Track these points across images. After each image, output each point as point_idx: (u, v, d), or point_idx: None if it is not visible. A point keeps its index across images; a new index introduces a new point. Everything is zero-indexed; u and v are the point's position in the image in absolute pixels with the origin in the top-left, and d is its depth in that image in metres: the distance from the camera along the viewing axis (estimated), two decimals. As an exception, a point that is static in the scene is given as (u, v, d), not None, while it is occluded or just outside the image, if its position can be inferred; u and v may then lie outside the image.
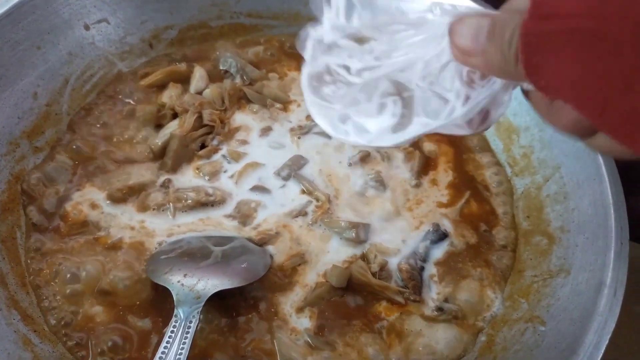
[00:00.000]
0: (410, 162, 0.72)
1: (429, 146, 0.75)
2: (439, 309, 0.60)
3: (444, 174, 0.73)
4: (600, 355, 0.47)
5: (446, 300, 0.61)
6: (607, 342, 0.48)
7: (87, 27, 0.78)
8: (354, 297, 0.61)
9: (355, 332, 0.59)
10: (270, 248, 0.64)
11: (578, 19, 0.27)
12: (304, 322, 0.59)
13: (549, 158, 0.68)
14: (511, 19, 0.30)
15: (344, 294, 0.61)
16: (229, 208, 0.68)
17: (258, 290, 0.61)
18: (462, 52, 0.32)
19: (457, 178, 0.72)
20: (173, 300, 0.55)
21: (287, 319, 0.60)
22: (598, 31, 0.26)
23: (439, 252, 0.65)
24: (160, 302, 0.59)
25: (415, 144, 0.75)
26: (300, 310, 0.60)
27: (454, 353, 0.58)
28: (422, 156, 0.73)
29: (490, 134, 0.77)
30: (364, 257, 0.63)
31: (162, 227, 0.65)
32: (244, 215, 0.67)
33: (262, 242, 0.65)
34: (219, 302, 0.58)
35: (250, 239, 0.65)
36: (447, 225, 0.67)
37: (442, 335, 0.58)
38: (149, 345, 0.57)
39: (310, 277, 0.62)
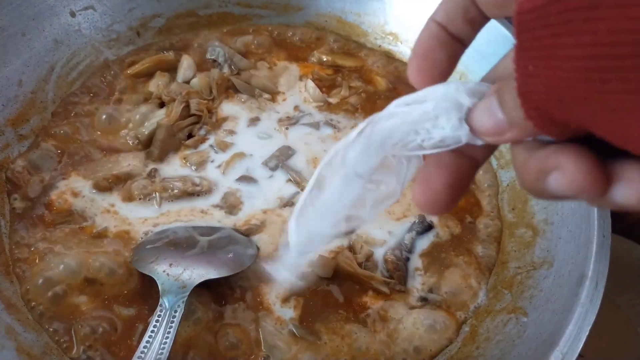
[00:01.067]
0: (398, 154, 0.73)
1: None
2: (423, 299, 0.61)
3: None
4: (581, 346, 0.47)
5: (430, 290, 0.61)
6: (587, 333, 0.48)
7: (73, 14, 0.77)
8: (340, 287, 0.61)
9: (340, 321, 0.59)
10: (257, 238, 0.64)
11: None
12: (289, 312, 0.59)
13: (534, 151, 0.69)
14: (508, 78, 0.26)
15: (329, 284, 0.62)
16: (216, 198, 0.67)
17: (244, 280, 0.61)
18: (491, 135, 0.28)
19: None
20: (158, 290, 0.55)
21: (272, 308, 0.60)
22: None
23: (424, 243, 0.66)
24: (146, 292, 0.59)
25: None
26: (285, 300, 0.60)
27: (438, 343, 0.58)
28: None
29: (478, 127, 0.77)
30: (350, 248, 0.64)
31: (148, 217, 0.65)
32: (230, 205, 0.67)
33: (248, 233, 0.65)
34: (205, 292, 0.58)
35: (236, 229, 0.65)
36: (432, 217, 0.68)
37: (426, 324, 0.58)
38: (134, 334, 0.57)
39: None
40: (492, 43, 0.75)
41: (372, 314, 0.60)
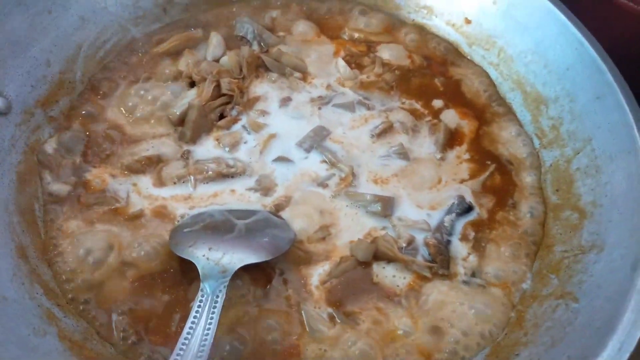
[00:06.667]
0: (435, 135, 0.70)
1: (454, 118, 0.73)
2: (466, 283, 0.59)
3: (468, 148, 0.71)
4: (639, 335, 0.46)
5: (473, 274, 0.60)
6: (645, 320, 0.47)
7: (99, -9, 0.75)
8: (377, 271, 0.60)
9: (373, 300, 0.58)
10: (293, 220, 0.63)
11: None
12: (327, 295, 0.58)
13: (579, 130, 0.66)
14: None
15: (367, 267, 0.60)
16: (251, 180, 0.66)
17: (283, 263, 0.60)
18: None
19: (478, 153, 0.71)
20: (196, 274, 0.54)
21: (312, 290, 0.59)
22: None
23: (464, 225, 0.64)
24: (183, 276, 0.58)
25: (438, 115, 0.73)
26: (324, 282, 0.59)
27: (484, 326, 0.57)
28: (447, 129, 0.71)
29: (518, 105, 0.74)
30: (388, 231, 0.62)
31: (183, 199, 0.64)
32: (265, 187, 0.65)
33: (278, 209, 0.63)
34: (244, 275, 0.57)
35: (272, 212, 0.63)
36: (469, 198, 0.66)
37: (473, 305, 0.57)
38: (173, 320, 0.56)
39: (334, 250, 0.61)
40: (534, 15, 0.73)
41: (405, 292, 0.59)
